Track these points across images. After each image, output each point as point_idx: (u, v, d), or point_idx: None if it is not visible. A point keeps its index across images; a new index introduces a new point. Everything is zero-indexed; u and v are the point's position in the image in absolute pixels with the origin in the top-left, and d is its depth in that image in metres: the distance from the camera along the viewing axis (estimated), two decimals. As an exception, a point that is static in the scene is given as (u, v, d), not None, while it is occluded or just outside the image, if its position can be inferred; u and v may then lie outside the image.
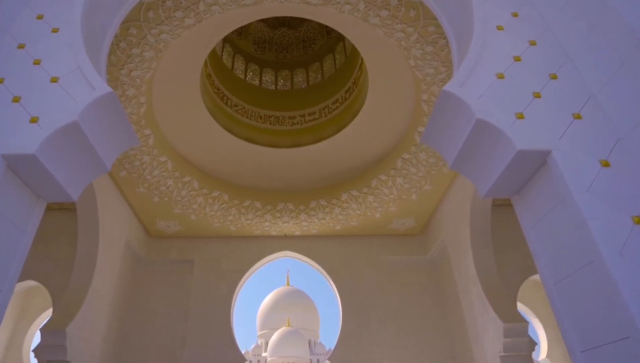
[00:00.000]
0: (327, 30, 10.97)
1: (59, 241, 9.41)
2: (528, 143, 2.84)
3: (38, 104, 2.97)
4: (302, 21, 11.19)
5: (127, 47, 6.61)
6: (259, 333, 36.39)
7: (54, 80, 3.04)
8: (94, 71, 3.14)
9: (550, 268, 2.90)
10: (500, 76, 3.16)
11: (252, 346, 35.61)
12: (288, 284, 39.02)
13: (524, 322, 7.45)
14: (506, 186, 3.13)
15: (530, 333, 7.57)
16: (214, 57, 9.61)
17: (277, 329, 33.45)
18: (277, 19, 11.25)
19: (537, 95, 3.04)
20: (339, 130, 9.24)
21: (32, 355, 8.51)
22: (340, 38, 10.54)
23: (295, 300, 36.08)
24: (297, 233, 11.03)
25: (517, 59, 3.29)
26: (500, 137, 2.90)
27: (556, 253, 2.82)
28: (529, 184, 3.06)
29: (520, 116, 2.94)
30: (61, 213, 9.73)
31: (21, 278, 9.12)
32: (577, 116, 2.94)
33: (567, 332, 2.72)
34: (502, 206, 9.73)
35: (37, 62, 3.17)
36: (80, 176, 3.17)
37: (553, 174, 2.80)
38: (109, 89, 3.09)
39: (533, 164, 2.92)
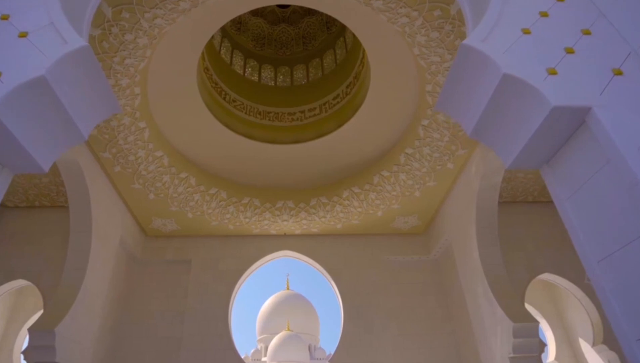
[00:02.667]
0: (328, 26, 10.64)
1: (50, 240, 8.95)
2: (564, 99, 2.43)
3: (2, 60, 2.56)
4: (302, 17, 10.87)
5: (119, 33, 6.21)
6: (258, 338, 35.79)
7: (23, 35, 2.64)
8: (69, 26, 2.73)
9: (592, 243, 2.47)
10: (527, 32, 2.75)
11: (252, 350, 35.00)
12: (288, 288, 38.46)
13: (535, 322, 7.00)
14: (535, 154, 2.71)
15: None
16: (211, 51, 9.25)
17: (276, 333, 32.86)
18: (276, 15, 10.92)
19: (569, 50, 2.64)
20: (339, 125, 8.85)
21: (21, 357, 8.07)
22: (341, 33, 10.21)
23: (295, 304, 35.52)
24: (297, 231, 10.59)
25: (543, 14, 2.89)
26: (531, 94, 2.48)
27: (601, 224, 2.40)
28: (562, 150, 2.64)
29: (552, 72, 2.54)
30: (53, 210, 9.29)
31: (12, 277, 8.73)
32: (618, 72, 2.54)
33: (617, 318, 2.29)
34: (507, 204, 9.34)
35: (4, 18, 2.77)
36: (52, 144, 2.75)
37: (595, 133, 2.38)
38: (83, 43, 2.68)
39: (569, 125, 2.50)
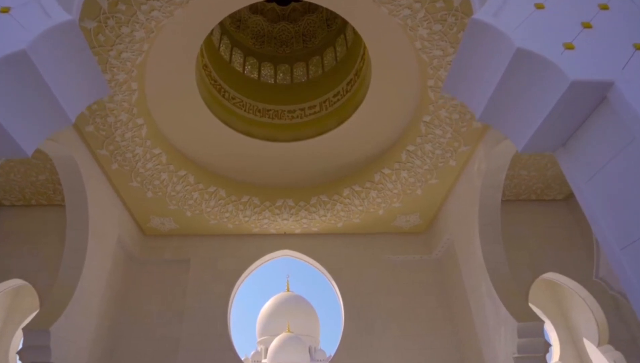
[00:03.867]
0: (328, 24, 10.49)
1: (47, 239, 8.77)
2: (584, 73, 2.23)
3: (-18, 36, 2.39)
4: (302, 15, 10.71)
5: (115, 26, 6.04)
6: (258, 340, 35.52)
7: (4, 10, 2.46)
8: (54, 2, 2.55)
9: (615, 229, 2.27)
10: (540, 6, 2.56)
11: (252, 352, 34.73)
12: (288, 290, 38.23)
13: (540, 321, 6.79)
14: (550, 135, 2.51)
15: (541, 334, 6.94)
16: (210, 49, 9.09)
17: (277, 335, 32.62)
18: (276, 12, 10.77)
19: (586, 25, 2.45)
20: (340, 123, 8.66)
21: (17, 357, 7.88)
22: (341, 31, 10.05)
23: (295, 306, 35.28)
24: (297, 231, 10.39)
25: (557, -11, 2.72)
26: (548, 69, 2.29)
27: (623, 209, 2.20)
28: (580, 131, 2.45)
29: (569, 47, 2.35)
30: (50, 209, 9.12)
31: (8, 277, 8.54)
32: (640, 47, 2.37)
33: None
34: (510, 202, 9.15)
35: (-14, -6, 2.61)
36: (37, 127, 2.55)
37: (617, 110, 2.18)
38: (68, 17, 2.50)
39: (589, 102, 2.30)
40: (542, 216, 9.10)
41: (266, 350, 32.55)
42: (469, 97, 2.85)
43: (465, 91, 2.87)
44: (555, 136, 2.52)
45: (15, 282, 8.68)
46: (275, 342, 31.51)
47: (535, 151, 2.67)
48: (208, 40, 8.93)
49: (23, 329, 6.76)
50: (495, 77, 2.53)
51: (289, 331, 32.36)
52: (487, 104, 2.66)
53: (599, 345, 7.98)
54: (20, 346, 6.82)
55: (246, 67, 10.13)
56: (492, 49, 2.54)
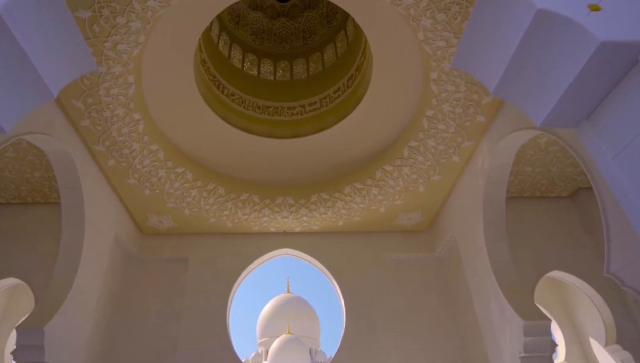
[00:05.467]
0: (328, 20, 10.31)
1: (43, 237, 8.49)
2: (613, 33, 2.01)
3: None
4: (301, 11, 10.53)
5: (110, 16, 5.81)
6: (259, 341, 35.21)
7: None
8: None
9: (648, 206, 2.07)
10: (561, -33, 2.36)
11: (252, 354, 34.43)
12: (288, 291, 37.94)
13: (546, 319, 6.54)
14: (573, 107, 2.27)
15: (547, 333, 6.69)
16: (209, 44, 8.89)
17: (277, 337, 32.31)
18: (276, 9, 10.58)
19: (612, -14, 2.25)
20: (341, 119, 8.45)
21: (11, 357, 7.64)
22: (342, 27, 9.86)
23: (295, 308, 34.98)
24: (297, 229, 10.16)
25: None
26: (572, 31, 2.05)
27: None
28: (607, 101, 2.21)
29: (595, 8, 2.11)
30: (46, 207, 8.85)
31: (3, 276, 8.28)
32: (671, 9, 2.16)
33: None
34: (514, 199, 8.91)
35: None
36: (15, 100, 2.32)
37: (652, 74, 1.99)
38: (46, -22, 2.29)
39: (619, 65, 2.06)
40: (547, 214, 8.86)
41: (266, 351, 32.23)
42: (482, 70, 2.62)
43: (477, 63, 2.63)
44: (579, 108, 2.28)
45: (11, 281, 8.43)
46: (275, 344, 31.21)
47: (555, 126, 2.44)
48: (207, 36, 8.74)
49: (16, 328, 6.53)
50: (513, 43, 2.30)
51: (289, 333, 32.07)
52: (503, 76, 2.42)
53: (607, 344, 7.72)
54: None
55: (245, 64, 9.94)
56: (509, 13, 2.30)
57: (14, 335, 9.61)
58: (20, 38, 2.19)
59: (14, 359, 6.63)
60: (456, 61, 2.83)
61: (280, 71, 10.17)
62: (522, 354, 6.49)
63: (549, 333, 6.54)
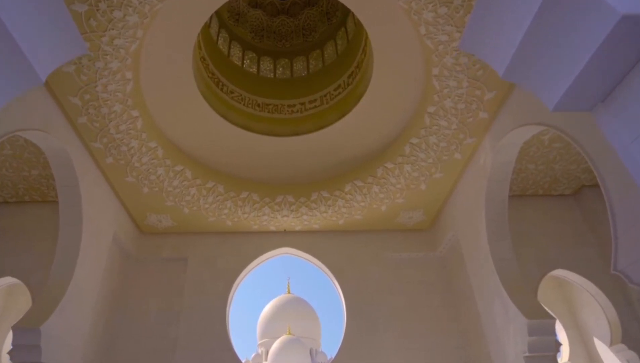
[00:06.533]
0: (328, 17, 10.20)
1: (41, 236, 8.39)
2: (636, 5, 1.87)
3: None
4: (301, 8, 10.42)
5: (107, 10, 5.70)
6: (259, 342, 35.05)
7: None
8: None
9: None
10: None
11: (253, 355, 34.27)
12: (289, 292, 37.79)
13: (551, 318, 6.41)
14: (589, 89, 2.13)
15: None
16: (208, 41, 8.77)
17: (277, 338, 32.16)
18: (275, 6, 10.47)
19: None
20: (341, 116, 8.32)
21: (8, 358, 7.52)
22: (342, 24, 9.75)
23: (296, 308, 34.83)
24: (298, 228, 10.03)
25: None
26: (591, 3, 1.92)
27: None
28: (625, 81, 2.08)
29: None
30: (44, 205, 8.76)
31: (1, 274, 8.17)
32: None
33: None
34: (516, 198, 8.79)
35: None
36: (2, 84, 2.22)
37: (675, 52, 1.85)
38: (32, -43, 2.17)
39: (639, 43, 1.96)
40: (550, 212, 8.74)
41: (267, 352, 32.08)
42: (491, 51, 2.48)
43: (486, 44, 2.49)
44: (595, 89, 2.14)
45: (8, 280, 8.33)
46: (275, 345, 31.07)
47: (568, 110, 2.30)
48: (206, 33, 8.63)
49: (12, 328, 6.41)
50: (525, 20, 2.15)
51: (289, 333, 31.93)
52: (514, 56, 2.27)
53: (612, 344, 7.59)
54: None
55: (245, 61, 9.83)
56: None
57: (11, 335, 9.52)
58: (6, 19, 2.07)
59: (11, 359, 6.52)
60: (463, 44, 2.70)
61: (280, 69, 10.06)
62: (527, 354, 6.36)
63: (553, 332, 6.41)
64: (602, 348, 8.85)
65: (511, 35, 2.28)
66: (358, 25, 8.60)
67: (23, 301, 9.73)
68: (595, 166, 4.71)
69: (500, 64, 2.43)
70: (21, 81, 2.31)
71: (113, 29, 5.93)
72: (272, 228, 9.99)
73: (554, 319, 6.44)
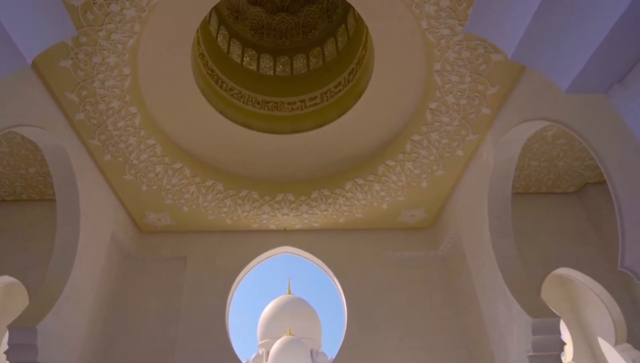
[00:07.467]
0: (328, 14, 10.09)
1: (39, 235, 8.27)
2: None
3: None
4: (301, 6, 10.32)
5: (104, 3, 5.59)
6: (259, 343, 34.84)
7: None
8: None
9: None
10: None
11: (253, 356, 34.08)
12: (289, 292, 37.63)
13: (555, 317, 6.28)
14: (605, 67, 2.00)
15: (555, 332, 6.43)
16: (207, 38, 8.67)
17: (278, 338, 31.97)
18: (275, 4, 10.37)
19: None
20: (342, 114, 8.21)
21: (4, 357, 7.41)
22: (342, 21, 9.65)
23: (296, 309, 34.62)
24: (298, 226, 9.91)
25: None
26: None
27: None
28: None
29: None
30: (42, 204, 8.64)
31: (-3, 273, 8.08)
32: None
33: None
34: (519, 195, 8.68)
35: None
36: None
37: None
38: None
39: None
40: (553, 210, 8.62)
41: (267, 353, 31.91)
42: (499, 32, 2.35)
43: (494, 24, 2.36)
44: (611, 68, 2.02)
45: (5, 279, 8.21)
46: (276, 345, 30.88)
47: (582, 92, 2.18)
48: (205, 30, 8.53)
49: (8, 327, 6.29)
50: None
51: (290, 334, 31.75)
52: (524, 36, 2.14)
53: (616, 343, 7.46)
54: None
55: (245, 59, 9.72)
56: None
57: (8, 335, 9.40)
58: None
59: (7, 359, 6.40)
60: (469, 26, 2.58)
61: (280, 66, 9.95)
62: (531, 353, 6.24)
63: (558, 331, 6.29)
64: (606, 348, 8.72)
65: (521, 12, 2.16)
66: (358, 21, 8.50)
67: (21, 301, 9.58)
68: (601, 162, 4.59)
69: (510, 44, 2.30)
70: (5, 63, 2.19)
71: (110, 23, 5.82)
72: (272, 227, 9.88)
73: (559, 318, 6.31)
